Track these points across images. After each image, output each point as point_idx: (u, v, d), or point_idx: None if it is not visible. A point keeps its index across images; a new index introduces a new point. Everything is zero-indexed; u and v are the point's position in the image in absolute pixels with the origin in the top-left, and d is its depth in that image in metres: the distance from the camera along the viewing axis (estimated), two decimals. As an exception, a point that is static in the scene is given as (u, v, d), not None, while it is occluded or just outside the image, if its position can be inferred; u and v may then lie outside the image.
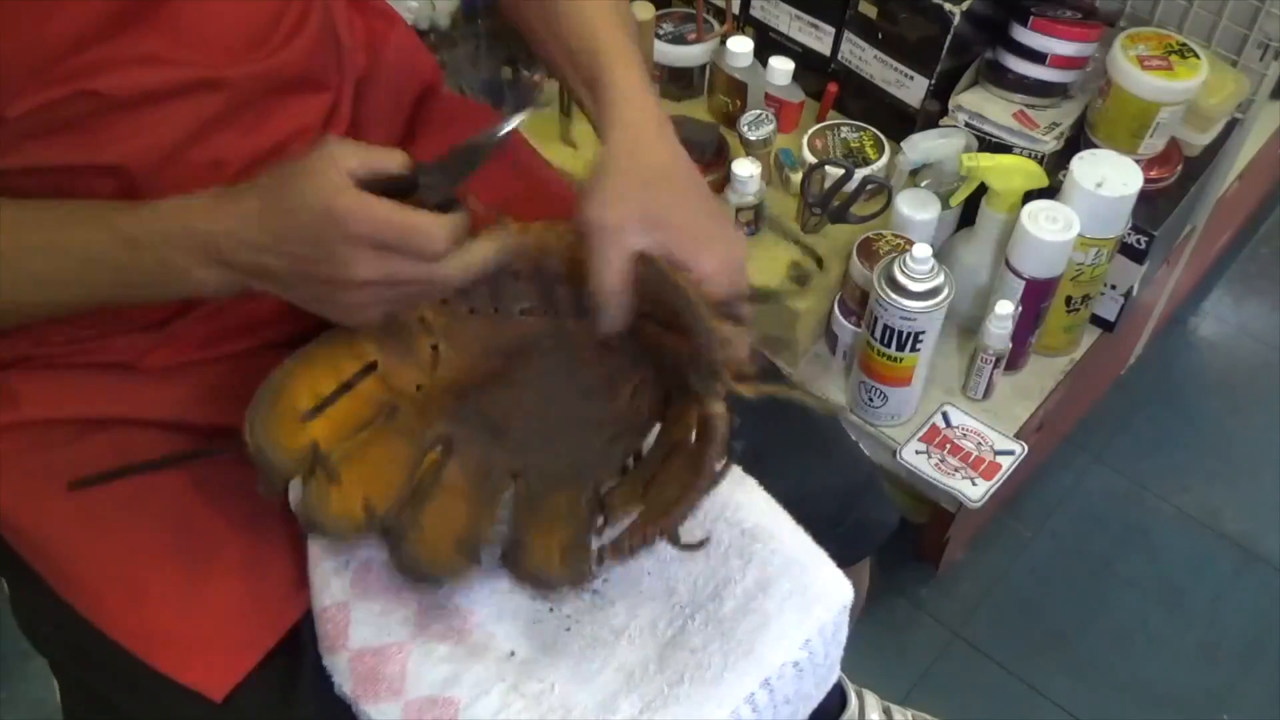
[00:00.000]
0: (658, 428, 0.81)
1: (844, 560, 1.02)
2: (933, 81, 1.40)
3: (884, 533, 1.03)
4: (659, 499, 0.74)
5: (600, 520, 0.75)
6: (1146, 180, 1.29)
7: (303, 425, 0.74)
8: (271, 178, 0.69)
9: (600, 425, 0.80)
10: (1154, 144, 1.34)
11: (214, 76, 0.76)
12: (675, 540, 0.73)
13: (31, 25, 0.68)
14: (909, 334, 1.22)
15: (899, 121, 1.44)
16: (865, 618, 1.15)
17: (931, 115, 1.42)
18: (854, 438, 1.13)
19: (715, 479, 0.72)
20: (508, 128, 0.72)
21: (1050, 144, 1.37)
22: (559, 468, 0.79)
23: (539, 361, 0.82)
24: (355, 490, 0.73)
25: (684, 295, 0.71)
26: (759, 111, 1.39)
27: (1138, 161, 1.30)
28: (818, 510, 0.93)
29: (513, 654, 0.76)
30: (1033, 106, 1.39)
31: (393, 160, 0.69)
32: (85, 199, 0.73)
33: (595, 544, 0.74)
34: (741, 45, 1.43)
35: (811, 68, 1.49)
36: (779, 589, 0.77)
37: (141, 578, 0.78)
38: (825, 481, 0.95)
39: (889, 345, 1.24)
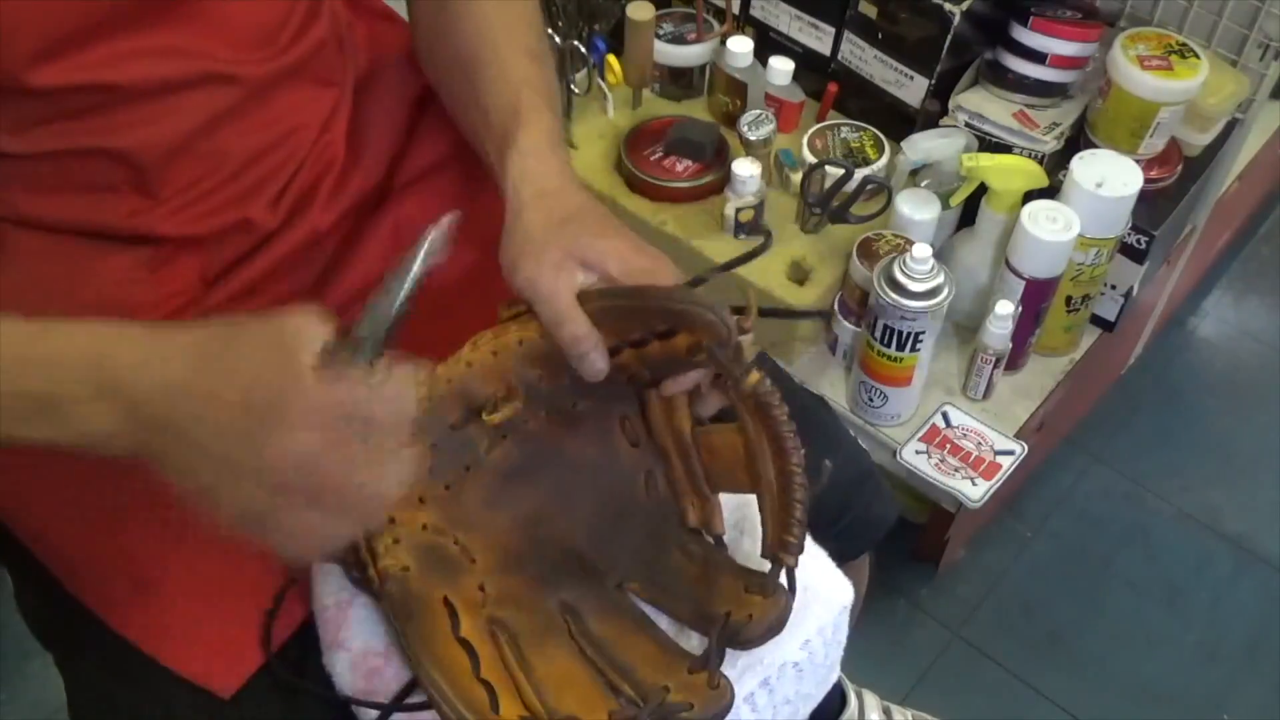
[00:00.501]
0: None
1: (845, 555, 1.02)
2: (933, 81, 1.40)
3: (884, 527, 1.03)
4: (771, 519, 0.72)
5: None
6: (1146, 180, 1.29)
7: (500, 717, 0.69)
8: (228, 327, 0.59)
9: (624, 470, 0.78)
10: (1154, 144, 1.34)
11: (229, 71, 0.76)
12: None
13: (53, 14, 0.68)
14: (909, 334, 1.22)
15: (899, 121, 1.44)
16: (865, 618, 1.15)
17: (931, 115, 1.42)
18: (853, 434, 1.13)
19: (799, 444, 0.70)
20: (412, 274, 0.65)
21: (1050, 144, 1.37)
22: (641, 543, 0.76)
23: (550, 473, 0.77)
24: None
25: (655, 293, 0.69)
26: (759, 111, 1.39)
27: (1138, 161, 1.30)
28: (818, 505, 0.93)
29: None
30: (1033, 106, 1.39)
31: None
32: (93, 184, 0.74)
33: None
34: (741, 45, 1.43)
35: (811, 68, 1.49)
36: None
37: (151, 574, 0.78)
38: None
39: (889, 345, 1.24)
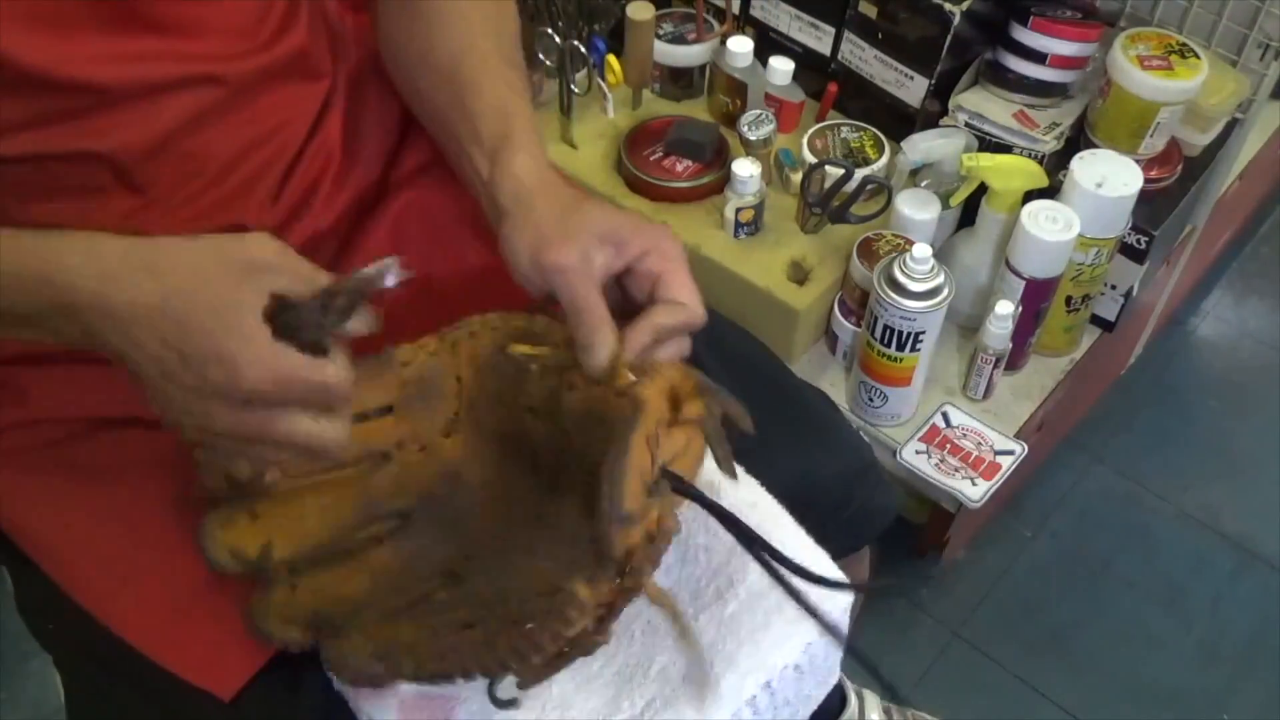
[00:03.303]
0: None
1: (847, 548, 1.03)
2: (933, 81, 1.40)
3: (886, 518, 1.04)
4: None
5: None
6: (1146, 180, 1.29)
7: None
8: (186, 261, 0.64)
9: (559, 570, 0.71)
10: (1154, 144, 1.34)
11: (210, 71, 0.76)
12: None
13: (31, 26, 0.68)
14: (909, 334, 1.22)
15: (899, 121, 1.44)
16: (865, 618, 1.15)
17: (931, 115, 1.42)
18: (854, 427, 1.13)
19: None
20: (388, 278, 0.67)
21: (1050, 144, 1.37)
22: (482, 592, 0.73)
23: (536, 473, 0.76)
24: (265, 531, 0.70)
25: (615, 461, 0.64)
26: (759, 111, 1.39)
27: (1138, 161, 1.30)
28: (820, 498, 0.93)
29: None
30: (1033, 106, 1.39)
31: (316, 283, 0.65)
32: (83, 187, 0.74)
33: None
34: (741, 45, 1.43)
35: (811, 68, 1.49)
36: (780, 591, 0.77)
37: (151, 577, 0.78)
38: (826, 469, 0.95)
39: (889, 345, 1.24)
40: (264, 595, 0.72)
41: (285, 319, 0.63)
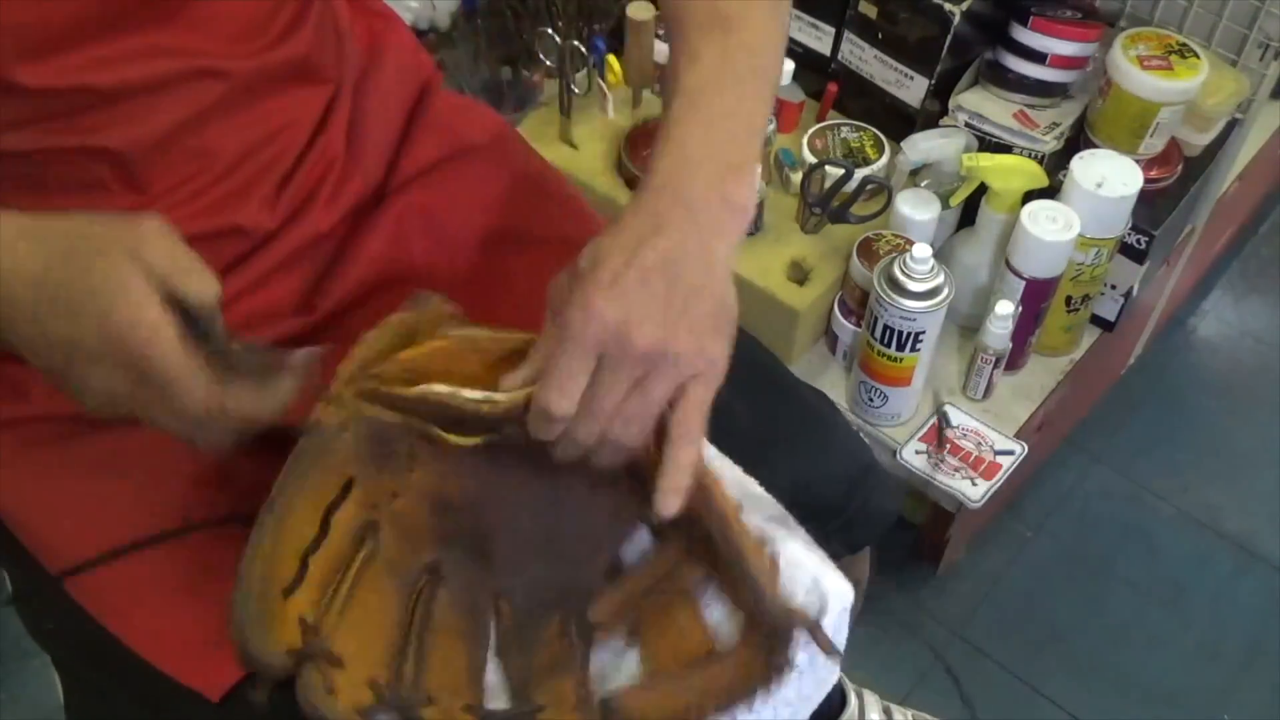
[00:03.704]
0: (645, 536, 0.76)
1: (848, 548, 1.02)
2: (933, 81, 1.40)
3: (887, 520, 1.04)
4: (683, 689, 0.70)
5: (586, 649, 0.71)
6: (1146, 180, 1.29)
7: (287, 604, 0.67)
8: (61, 224, 0.61)
9: (582, 536, 0.74)
10: (1154, 144, 1.34)
11: (216, 66, 0.76)
12: None
13: (41, 13, 0.67)
14: (909, 334, 1.22)
15: (899, 121, 1.44)
16: (865, 618, 1.15)
17: (931, 115, 1.42)
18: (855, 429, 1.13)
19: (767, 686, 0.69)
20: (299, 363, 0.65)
21: (1050, 144, 1.37)
22: (544, 589, 0.73)
23: (517, 462, 0.73)
24: (356, 666, 0.68)
25: (732, 551, 0.67)
26: (759, 111, 1.39)
27: (1138, 161, 1.30)
28: (821, 499, 0.93)
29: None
30: (1033, 106, 1.39)
31: (200, 292, 0.62)
32: (82, 183, 0.73)
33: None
34: (741, 45, 1.42)
35: (811, 68, 1.49)
36: None
37: (145, 576, 0.78)
38: (827, 470, 0.95)
39: (889, 345, 1.24)
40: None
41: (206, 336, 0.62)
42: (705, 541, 0.69)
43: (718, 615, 0.74)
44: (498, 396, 0.67)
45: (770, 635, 0.68)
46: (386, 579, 0.71)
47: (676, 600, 0.73)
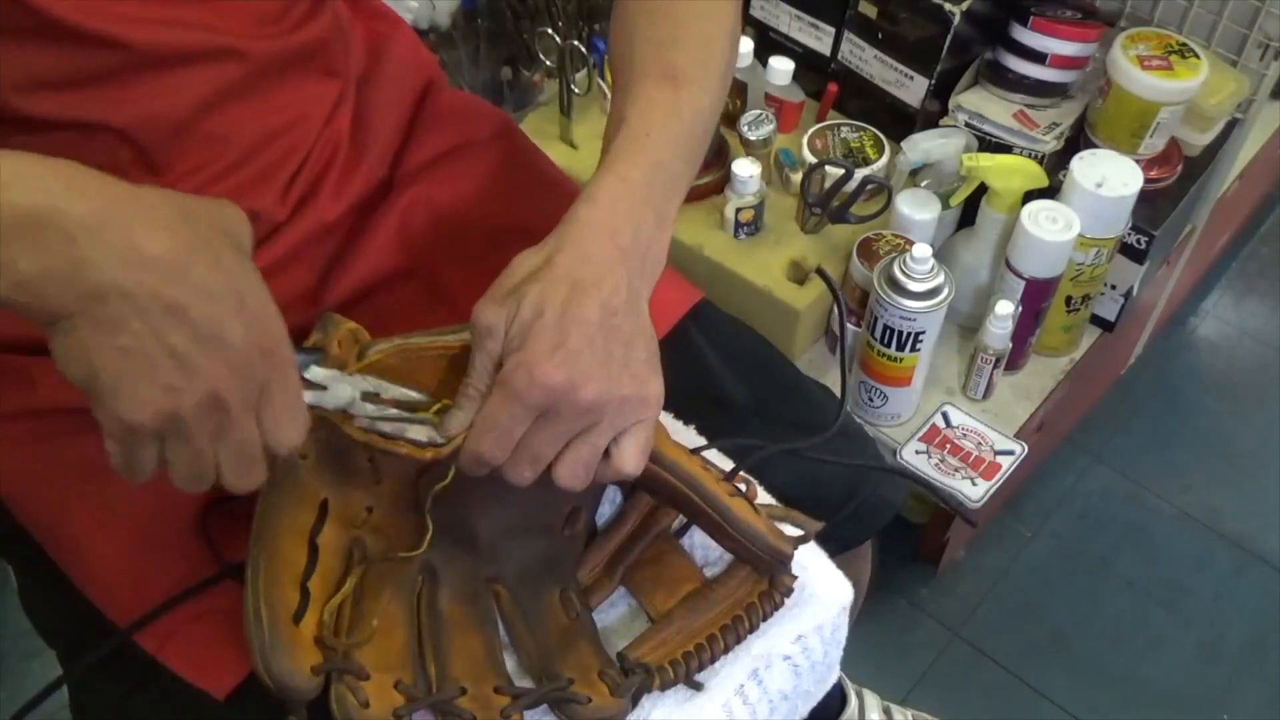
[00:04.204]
0: (615, 494, 0.79)
1: (852, 540, 1.03)
2: (933, 81, 1.40)
3: (891, 511, 1.04)
4: (688, 628, 0.73)
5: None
6: (1146, 180, 1.29)
7: (299, 629, 0.67)
8: (192, 205, 0.59)
9: (553, 505, 0.76)
10: (1154, 144, 1.34)
11: (235, 45, 0.77)
12: (697, 686, 0.72)
13: None
14: (909, 334, 1.22)
15: (899, 121, 1.44)
16: (865, 618, 1.15)
17: (931, 115, 1.42)
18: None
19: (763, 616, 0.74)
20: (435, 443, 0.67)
21: (1050, 144, 1.37)
22: (532, 566, 0.75)
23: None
24: (381, 674, 0.68)
25: (696, 494, 0.71)
26: (759, 111, 1.39)
27: (1138, 161, 1.30)
28: (827, 491, 0.93)
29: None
30: (1033, 106, 1.39)
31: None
32: (99, 165, 0.73)
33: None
34: (741, 45, 1.43)
35: (811, 68, 1.49)
36: None
37: (152, 574, 0.78)
38: (831, 463, 0.96)
39: (889, 345, 1.24)
40: (464, 717, 0.70)
41: (313, 369, 0.65)
42: (671, 496, 0.73)
43: (701, 549, 0.78)
44: (439, 440, 0.68)
45: (766, 564, 0.71)
46: (386, 587, 0.72)
47: (660, 545, 0.77)
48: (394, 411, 0.67)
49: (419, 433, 0.67)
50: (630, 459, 0.67)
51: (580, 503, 0.77)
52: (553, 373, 0.63)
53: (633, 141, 0.72)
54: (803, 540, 0.76)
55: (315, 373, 0.65)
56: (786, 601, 0.75)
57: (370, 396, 0.67)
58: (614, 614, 0.77)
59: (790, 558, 0.74)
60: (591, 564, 0.77)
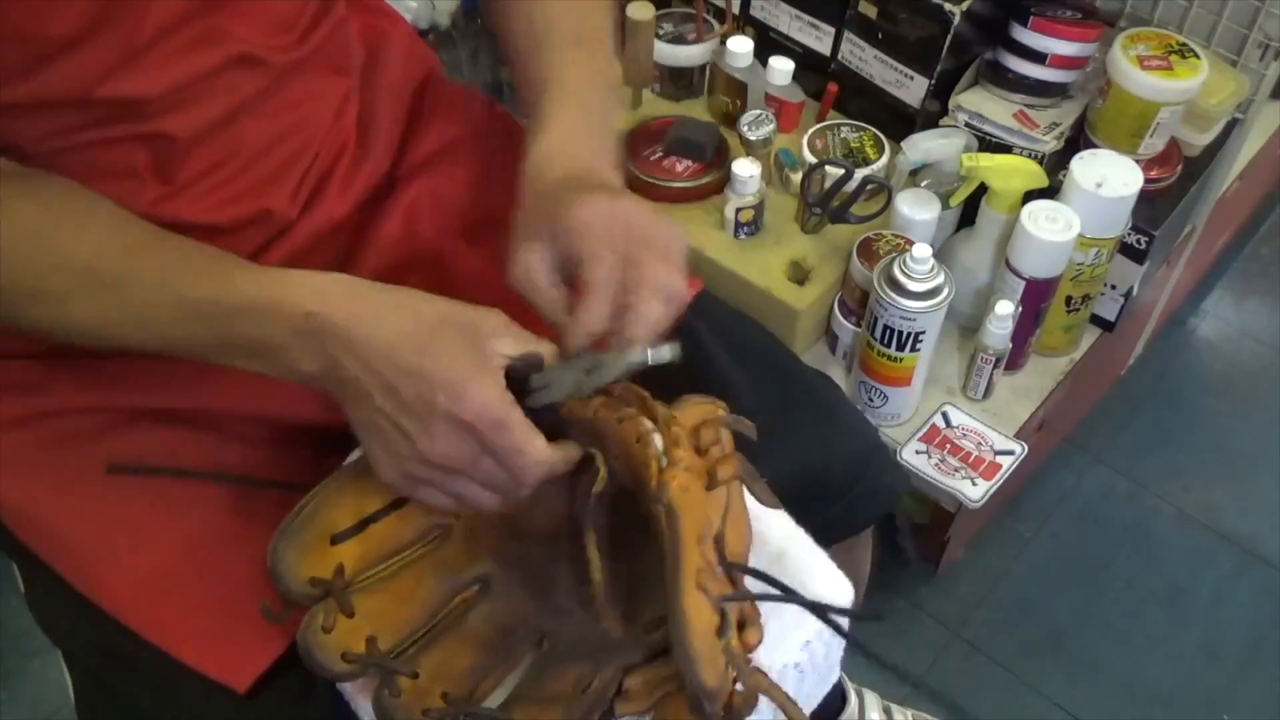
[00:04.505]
0: None
1: (854, 527, 1.03)
2: (933, 81, 1.40)
3: (894, 497, 1.04)
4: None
5: (605, 709, 0.71)
6: (1146, 180, 1.29)
7: (331, 549, 0.71)
8: (428, 308, 0.69)
9: (649, 602, 0.73)
10: (1154, 144, 1.34)
11: (258, 55, 0.78)
12: None
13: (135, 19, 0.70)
14: (909, 334, 1.22)
15: (899, 121, 1.44)
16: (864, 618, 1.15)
17: (931, 115, 1.42)
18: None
19: None
20: (660, 358, 0.70)
21: (1050, 144, 1.37)
22: (588, 640, 0.74)
23: (600, 516, 0.75)
24: (364, 625, 0.70)
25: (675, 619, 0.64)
26: (759, 111, 1.39)
27: (1138, 161, 1.30)
28: (828, 480, 0.94)
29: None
30: (1033, 106, 1.39)
31: (543, 349, 0.70)
32: (116, 171, 0.74)
33: None
34: (741, 45, 1.43)
35: (811, 68, 1.49)
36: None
37: (166, 571, 0.78)
38: (833, 451, 0.96)
39: (889, 345, 1.24)
40: (393, 693, 0.70)
41: (533, 377, 0.68)
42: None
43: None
44: (648, 358, 0.71)
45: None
46: (434, 575, 0.74)
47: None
48: (611, 361, 0.70)
49: (634, 359, 0.70)
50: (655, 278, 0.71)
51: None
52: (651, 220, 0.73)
53: (571, 98, 0.80)
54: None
55: (536, 379, 0.70)
56: (792, 612, 0.74)
57: (592, 370, 0.70)
58: None
59: (710, 696, 0.62)
60: (646, 675, 0.72)
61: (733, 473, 0.70)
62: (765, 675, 0.65)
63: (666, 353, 0.70)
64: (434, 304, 0.69)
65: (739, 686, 0.64)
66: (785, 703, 0.65)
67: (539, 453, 0.68)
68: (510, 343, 0.68)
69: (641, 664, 0.71)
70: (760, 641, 0.68)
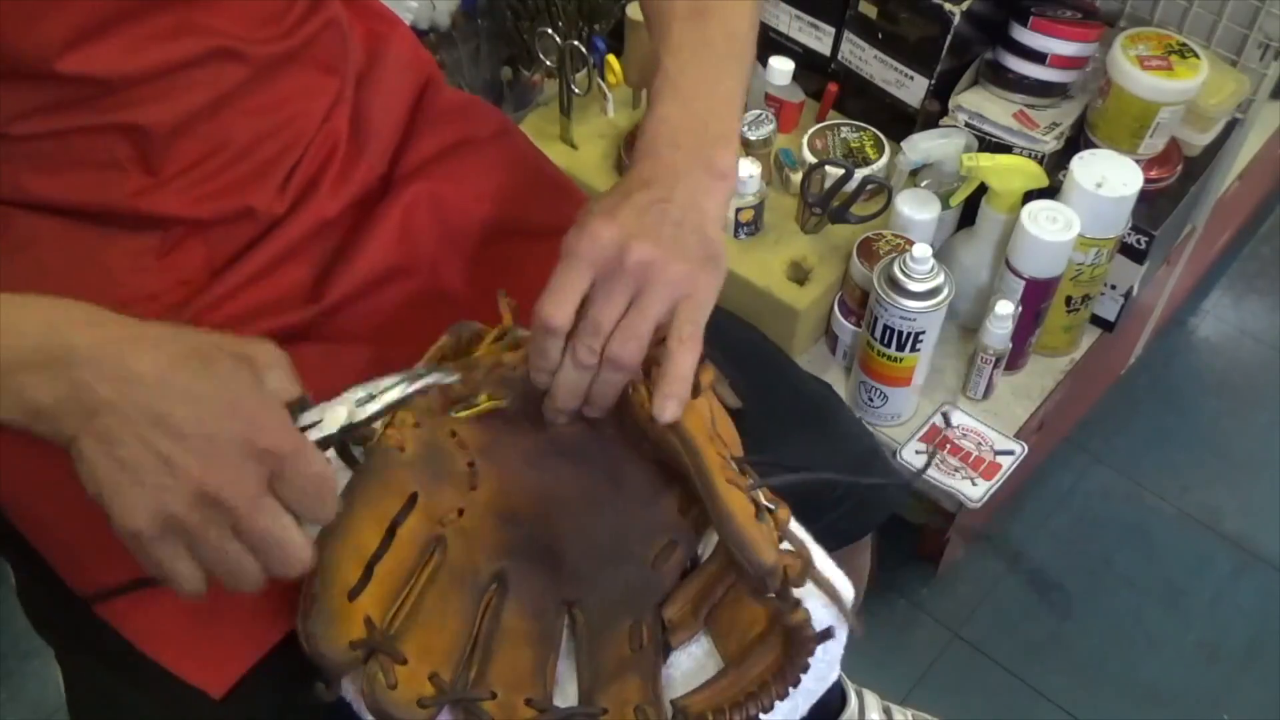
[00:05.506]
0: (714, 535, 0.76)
1: (853, 533, 1.03)
2: (933, 81, 1.40)
3: (891, 504, 1.04)
4: (741, 679, 0.71)
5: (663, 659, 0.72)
6: (1146, 180, 1.29)
7: (352, 606, 0.68)
8: (193, 336, 0.62)
9: (650, 536, 0.75)
10: (1154, 144, 1.34)
11: (239, 48, 0.77)
12: None
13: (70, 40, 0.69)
14: (909, 334, 1.22)
15: (899, 121, 1.44)
16: (865, 618, 1.15)
17: (931, 115, 1.42)
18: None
19: (799, 677, 0.70)
20: (412, 388, 0.68)
21: (1050, 144, 1.37)
22: (614, 593, 0.74)
23: (581, 471, 0.75)
24: (420, 664, 0.69)
25: (710, 499, 0.67)
26: (759, 111, 1.39)
27: (1138, 161, 1.30)
28: (824, 487, 0.93)
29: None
30: (1033, 106, 1.39)
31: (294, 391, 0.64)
32: (96, 161, 0.74)
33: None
34: (741, 45, 1.43)
35: (811, 68, 1.49)
36: None
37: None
38: (830, 456, 0.96)
39: (889, 345, 1.24)
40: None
41: (301, 416, 0.65)
42: (682, 469, 0.71)
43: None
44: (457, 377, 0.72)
45: (748, 578, 0.68)
46: (454, 589, 0.73)
47: (741, 586, 0.75)
48: (389, 384, 0.68)
49: (436, 379, 0.70)
50: (681, 329, 0.69)
51: (677, 536, 0.75)
52: (602, 229, 0.68)
53: (669, 85, 0.76)
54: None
55: (304, 418, 0.65)
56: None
57: (364, 400, 0.68)
58: (695, 652, 0.75)
59: (772, 573, 0.66)
60: (680, 602, 0.74)
61: (712, 378, 0.73)
62: (808, 549, 0.69)
63: (435, 377, 0.69)
64: (197, 333, 0.62)
65: (788, 562, 0.67)
66: (822, 580, 0.70)
67: (329, 503, 0.63)
68: (283, 375, 0.63)
69: (666, 597, 0.74)
70: (789, 519, 0.71)
